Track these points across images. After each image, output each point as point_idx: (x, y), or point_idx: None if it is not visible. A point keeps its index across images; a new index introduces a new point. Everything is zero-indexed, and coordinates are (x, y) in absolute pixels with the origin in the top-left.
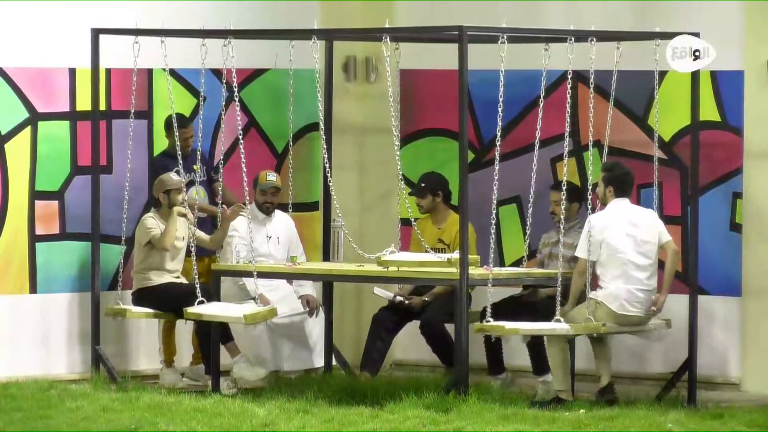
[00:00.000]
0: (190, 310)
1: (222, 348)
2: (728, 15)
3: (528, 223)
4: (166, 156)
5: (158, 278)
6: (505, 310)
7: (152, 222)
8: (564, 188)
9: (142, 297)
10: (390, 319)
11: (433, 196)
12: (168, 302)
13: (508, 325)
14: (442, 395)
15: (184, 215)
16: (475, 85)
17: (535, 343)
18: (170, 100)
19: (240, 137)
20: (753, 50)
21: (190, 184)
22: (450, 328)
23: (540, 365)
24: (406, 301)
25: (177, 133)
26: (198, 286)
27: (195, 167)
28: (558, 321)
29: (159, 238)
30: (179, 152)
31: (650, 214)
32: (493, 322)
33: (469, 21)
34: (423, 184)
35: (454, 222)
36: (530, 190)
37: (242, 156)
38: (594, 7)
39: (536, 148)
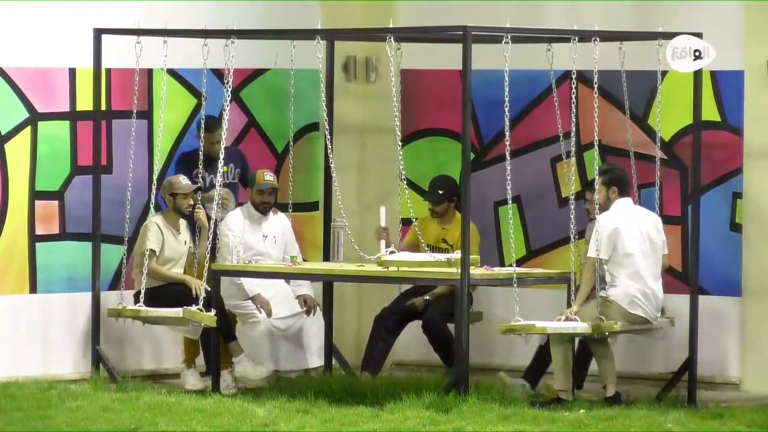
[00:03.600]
0: (130, 307)
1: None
2: (728, 15)
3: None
4: (189, 157)
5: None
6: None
7: (153, 231)
8: (596, 185)
9: (146, 298)
10: (392, 319)
11: (449, 202)
12: (172, 303)
13: (537, 324)
14: (442, 395)
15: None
16: (476, 86)
17: (545, 349)
18: (162, 100)
19: (223, 140)
20: (753, 50)
21: (197, 190)
22: (452, 328)
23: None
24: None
25: (202, 136)
26: (143, 290)
27: (225, 168)
28: (575, 320)
29: (150, 264)
30: (201, 154)
31: (656, 218)
32: (522, 321)
33: (467, 21)
34: (441, 192)
35: (458, 223)
36: (531, 189)
37: (221, 156)
38: (595, 7)
39: (577, 145)
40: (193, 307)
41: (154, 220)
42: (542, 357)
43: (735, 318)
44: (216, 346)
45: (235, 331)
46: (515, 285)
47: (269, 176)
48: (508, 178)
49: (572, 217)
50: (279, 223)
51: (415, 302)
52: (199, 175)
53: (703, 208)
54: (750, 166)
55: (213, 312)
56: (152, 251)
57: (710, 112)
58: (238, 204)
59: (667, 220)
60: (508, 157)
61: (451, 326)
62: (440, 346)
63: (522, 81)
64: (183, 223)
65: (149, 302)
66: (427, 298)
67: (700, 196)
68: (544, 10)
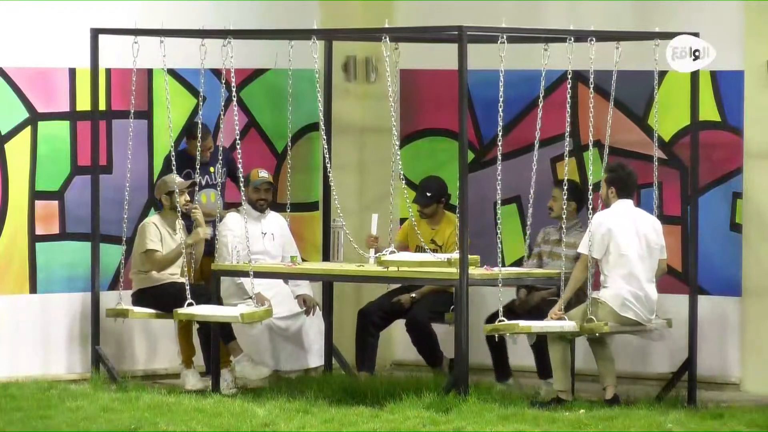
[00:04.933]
0: (181, 311)
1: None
2: (728, 15)
3: (528, 223)
4: (182, 156)
5: (158, 278)
6: (506, 316)
7: (152, 231)
8: (565, 187)
9: (143, 297)
10: (377, 314)
11: (438, 204)
12: (168, 302)
13: (521, 323)
14: (442, 395)
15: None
16: (475, 86)
17: (541, 346)
18: (167, 102)
19: (237, 138)
20: (753, 50)
21: (192, 185)
22: (436, 326)
23: (545, 368)
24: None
25: (199, 143)
26: (188, 287)
27: (211, 169)
28: (563, 319)
29: (156, 259)
30: (198, 157)
31: (656, 221)
32: (506, 321)
33: (468, 21)
34: (429, 194)
35: (448, 224)
36: (530, 190)
37: (239, 158)
38: (594, 7)
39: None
40: (248, 308)
41: (152, 220)
42: (542, 355)
43: (735, 318)
44: (216, 346)
45: (237, 331)
46: (500, 285)
47: (263, 173)
48: (499, 178)
49: (564, 217)
50: (276, 221)
51: (401, 299)
52: (190, 174)
53: (703, 208)
54: (750, 166)
55: (267, 305)
56: (154, 251)
57: (710, 112)
58: (226, 203)
59: (667, 220)
60: (499, 157)
61: (436, 325)
62: (424, 345)
63: (522, 81)
64: (179, 223)
65: (141, 302)
66: (414, 295)
67: (700, 197)
68: (544, 10)
